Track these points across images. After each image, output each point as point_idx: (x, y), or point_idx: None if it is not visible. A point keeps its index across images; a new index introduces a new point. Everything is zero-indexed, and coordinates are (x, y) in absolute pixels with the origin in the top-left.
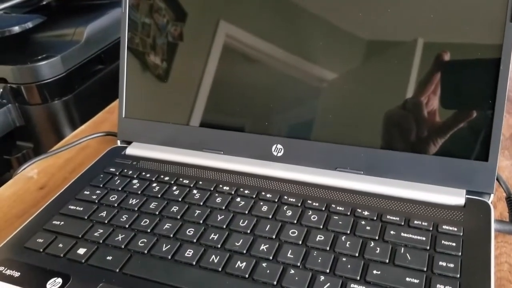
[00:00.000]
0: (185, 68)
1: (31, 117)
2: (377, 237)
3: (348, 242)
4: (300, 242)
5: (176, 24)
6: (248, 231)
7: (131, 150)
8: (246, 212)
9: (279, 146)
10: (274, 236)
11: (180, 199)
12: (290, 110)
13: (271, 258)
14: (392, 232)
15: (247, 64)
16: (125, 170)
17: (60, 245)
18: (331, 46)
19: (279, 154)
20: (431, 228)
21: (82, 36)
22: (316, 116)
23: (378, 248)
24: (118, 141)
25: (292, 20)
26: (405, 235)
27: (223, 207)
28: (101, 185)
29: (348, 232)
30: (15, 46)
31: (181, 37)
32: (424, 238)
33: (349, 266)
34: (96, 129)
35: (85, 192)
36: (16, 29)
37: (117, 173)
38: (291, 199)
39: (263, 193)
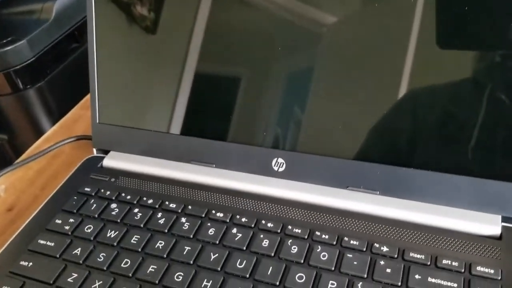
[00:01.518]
0: (170, 62)
1: (2, 107)
2: (399, 284)
3: None
4: None
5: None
6: (247, 275)
7: (108, 162)
8: (245, 248)
9: (280, 160)
10: (278, 283)
11: (166, 230)
12: (293, 117)
13: None
14: (417, 276)
15: (240, 58)
16: (102, 190)
17: None
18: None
19: (280, 169)
20: (463, 270)
21: (51, 12)
22: (323, 125)
23: None
24: (94, 149)
25: None
26: (433, 280)
27: (217, 241)
28: (75, 211)
29: (366, 276)
30: None
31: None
32: (455, 285)
33: None
34: (69, 130)
35: (57, 221)
36: None
37: (93, 194)
38: (296, 230)
39: (263, 222)
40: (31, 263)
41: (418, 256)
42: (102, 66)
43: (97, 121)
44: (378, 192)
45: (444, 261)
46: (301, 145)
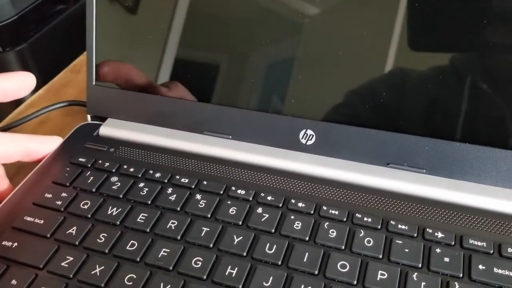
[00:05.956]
0: (181, 13)
1: None
2: (461, 275)
3: (423, 283)
4: (355, 282)
5: None
6: (279, 262)
7: (106, 130)
8: (273, 230)
9: (309, 132)
10: (316, 272)
11: (179, 208)
12: (324, 80)
13: None
14: (480, 266)
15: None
16: (100, 161)
17: (14, 282)
18: None
19: (309, 142)
20: None
21: None
22: (360, 91)
23: None
24: (89, 116)
25: None
26: (500, 271)
27: (240, 222)
28: (68, 184)
29: (420, 265)
30: None
31: None
32: None
33: None
34: (58, 95)
35: (46, 195)
36: None
37: (89, 165)
38: (333, 211)
39: (292, 201)
40: (15, 244)
41: (479, 243)
42: (101, 20)
43: (93, 83)
44: (425, 171)
45: (510, 250)
46: (334, 114)
